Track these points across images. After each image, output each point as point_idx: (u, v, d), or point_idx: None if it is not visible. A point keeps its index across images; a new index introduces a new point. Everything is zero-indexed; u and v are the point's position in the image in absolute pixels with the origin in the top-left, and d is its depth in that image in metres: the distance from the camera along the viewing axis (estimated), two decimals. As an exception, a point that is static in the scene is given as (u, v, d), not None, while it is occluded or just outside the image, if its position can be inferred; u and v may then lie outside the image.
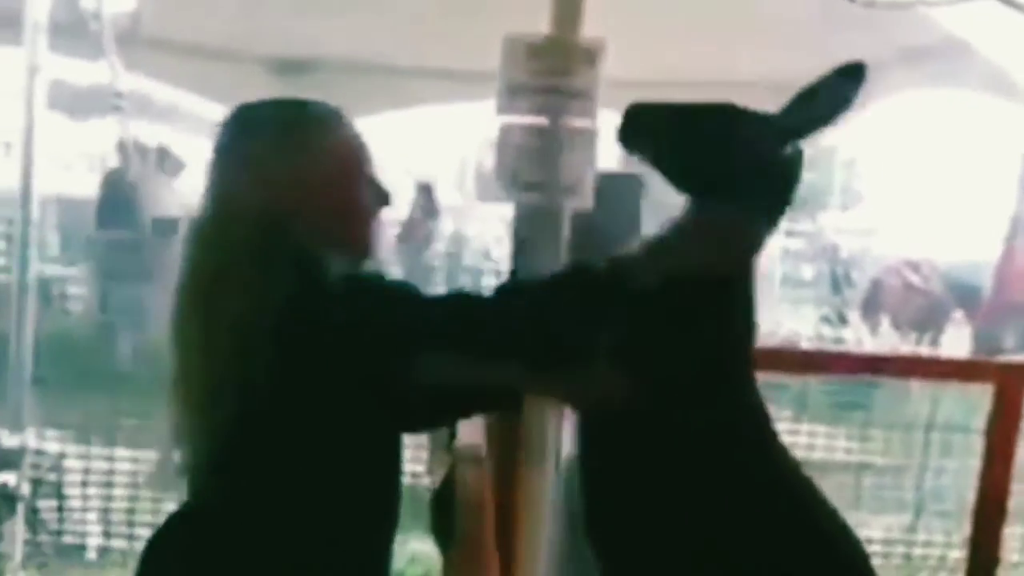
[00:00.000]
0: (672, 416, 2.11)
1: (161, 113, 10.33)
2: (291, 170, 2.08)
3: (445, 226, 13.15)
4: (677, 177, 2.22)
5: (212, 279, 2.01)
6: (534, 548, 2.67)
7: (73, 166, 10.68)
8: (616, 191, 3.31)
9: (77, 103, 8.70)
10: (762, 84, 8.76)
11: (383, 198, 2.22)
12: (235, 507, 2.02)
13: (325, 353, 1.96)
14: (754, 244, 2.26)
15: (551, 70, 3.09)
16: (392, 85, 8.12)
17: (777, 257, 12.67)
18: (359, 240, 2.17)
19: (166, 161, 9.89)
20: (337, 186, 2.13)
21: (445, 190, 13.82)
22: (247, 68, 8.58)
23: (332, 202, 2.12)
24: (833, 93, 2.21)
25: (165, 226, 9.07)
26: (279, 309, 1.95)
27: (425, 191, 12.40)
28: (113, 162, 10.01)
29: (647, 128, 2.24)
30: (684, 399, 2.11)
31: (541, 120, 3.06)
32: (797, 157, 2.22)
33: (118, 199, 9.38)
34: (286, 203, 2.05)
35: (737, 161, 2.17)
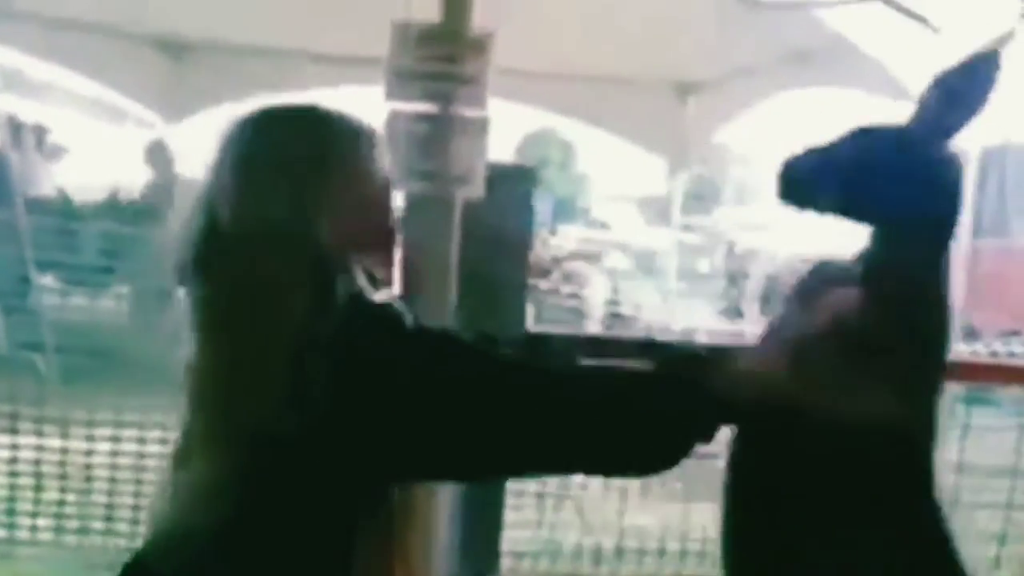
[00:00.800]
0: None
1: (34, 89, 10.12)
2: (337, 186, 1.97)
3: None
4: (854, 215, 2.15)
5: (247, 300, 1.90)
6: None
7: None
8: (508, 182, 3.30)
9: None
10: (657, 81, 8.91)
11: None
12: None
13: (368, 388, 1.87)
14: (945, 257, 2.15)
15: (440, 57, 3.06)
16: (280, 69, 8.04)
17: (673, 251, 12.75)
18: (388, 266, 2.09)
19: (43, 142, 9.69)
20: (377, 207, 2.05)
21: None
22: (130, 46, 8.45)
23: (372, 224, 2.04)
24: (972, 84, 2.09)
25: (38, 207, 8.94)
26: (329, 333, 1.85)
27: None
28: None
29: (809, 180, 2.15)
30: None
31: (430, 107, 3.03)
32: (957, 162, 2.14)
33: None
34: (333, 222, 1.93)
35: (910, 180, 2.08)
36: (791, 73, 8.47)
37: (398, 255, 2.13)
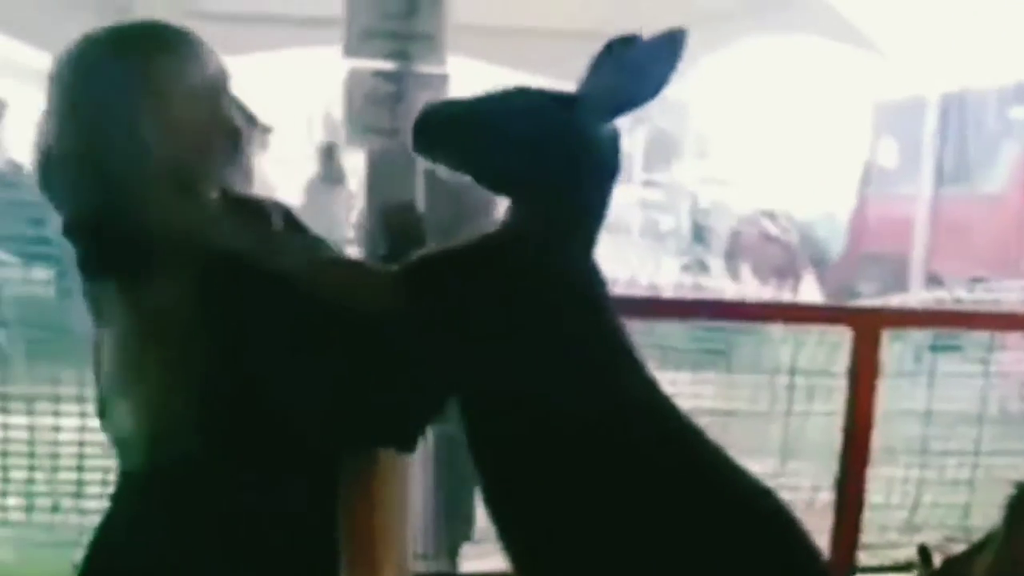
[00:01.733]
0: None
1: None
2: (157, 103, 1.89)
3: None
4: (488, 180, 2.06)
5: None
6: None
7: None
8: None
9: None
10: (615, 33, 8.89)
11: (250, 120, 2.05)
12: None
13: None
14: (580, 238, 2.05)
15: (398, 13, 3.04)
16: (238, 31, 7.94)
17: (636, 206, 12.74)
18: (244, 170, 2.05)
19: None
20: (207, 108, 1.96)
21: (295, 139, 13.42)
22: (73, 9, 8.30)
23: (204, 127, 1.95)
24: (652, 64, 2.01)
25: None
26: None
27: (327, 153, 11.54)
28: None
29: (444, 133, 2.05)
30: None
31: (389, 64, 3.01)
32: (614, 138, 2.04)
33: None
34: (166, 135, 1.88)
35: (551, 153, 1.99)
36: (748, 21, 8.43)
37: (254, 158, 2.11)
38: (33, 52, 9.59)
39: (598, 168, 2.03)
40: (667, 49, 2.00)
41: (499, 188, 2.07)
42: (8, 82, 11.52)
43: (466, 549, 3.87)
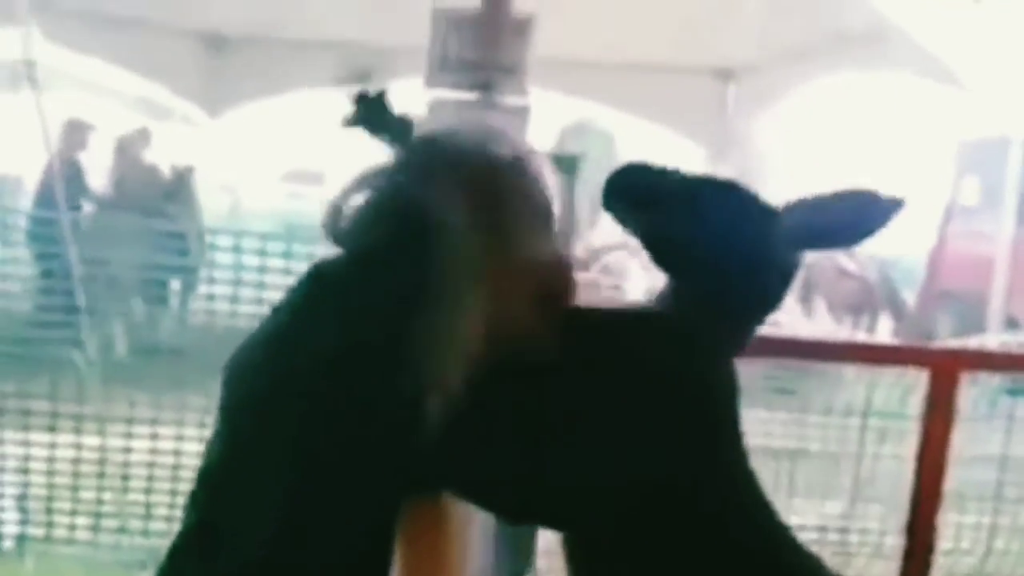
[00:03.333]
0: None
1: (78, 85, 10.17)
2: None
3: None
4: (662, 254, 2.00)
5: None
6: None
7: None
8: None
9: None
10: (699, 69, 8.83)
11: None
12: None
13: None
14: (728, 347, 1.98)
15: (480, 44, 3.03)
16: (318, 61, 8.03)
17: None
18: None
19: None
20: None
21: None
22: (171, 41, 8.46)
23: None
24: (858, 218, 1.99)
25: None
26: None
27: None
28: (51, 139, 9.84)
29: (645, 196, 1.98)
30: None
31: (470, 95, 3.01)
32: (794, 267, 2.00)
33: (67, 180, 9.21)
34: None
35: (738, 251, 1.94)
36: (833, 57, 8.35)
37: None
38: (125, 76, 9.79)
39: (775, 288, 1.99)
40: (884, 210, 1.98)
41: (670, 268, 2.00)
42: (104, 105, 11.72)
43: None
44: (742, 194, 1.99)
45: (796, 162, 16.50)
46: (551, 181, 1.92)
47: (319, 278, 1.91)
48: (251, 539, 1.81)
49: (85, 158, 9.76)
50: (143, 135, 10.66)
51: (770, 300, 2.00)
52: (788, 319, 11.61)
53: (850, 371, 5.64)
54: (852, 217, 1.98)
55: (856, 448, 5.34)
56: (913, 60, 7.86)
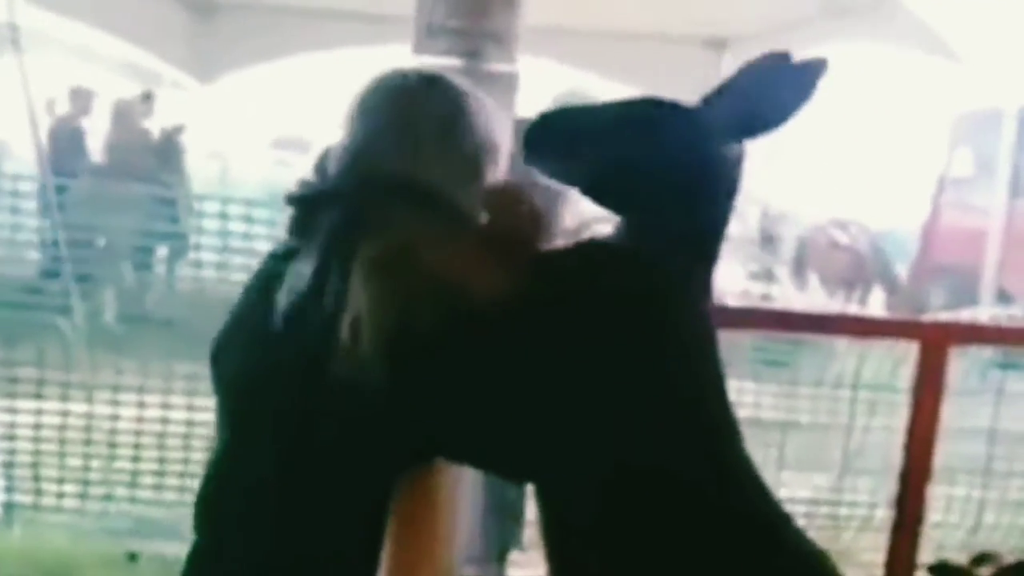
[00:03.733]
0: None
1: (64, 50, 10.15)
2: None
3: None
4: (598, 194, 1.91)
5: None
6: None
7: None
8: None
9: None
10: (693, 38, 8.80)
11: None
12: None
13: None
14: (689, 267, 1.90)
15: (468, 11, 3.02)
16: (308, 28, 8.00)
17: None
18: None
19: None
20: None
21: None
22: (159, 5, 8.42)
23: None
24: (787, 89, 1.88)
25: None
26: None
27: None
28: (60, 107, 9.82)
29: (560, 144, 1.90)
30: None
31: (458, 62, 2.99)
32: (739, 159, 1.91)
33: (70, 146, 9.20)
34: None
35: (673, 166, 1.85)
36: (829, 28, 8.33)
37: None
38: (114, 42, 9.76)
39: (721, 189, 1.91)
40: (807, 77, 1.89)
41: (612, 204, 1.92)
42: (93, 71, 11.69)
43: (515, 556, 3.85)
44: (661, 108, 1.91)
45: (790, 133, 16.47)
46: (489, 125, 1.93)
47: (272, 259, 1.92)
48: (249, 533, 1.85)
49: (87, 124, 9.73)
50: (146, 101, 10.60)
51: (720, 209, 1.92)
52: (782, 292, 11.64)
53: (841, 343, 5.63)
54: (779, 92, 1.89)
55: (846, 420, 5.35)
56: (908, 32, 7.84)
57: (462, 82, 1.98)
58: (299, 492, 1.82)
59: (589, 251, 1.93)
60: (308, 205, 1.89)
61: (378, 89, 1.94)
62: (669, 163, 1.86)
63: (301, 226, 1.88)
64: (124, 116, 10.46)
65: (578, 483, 1.80)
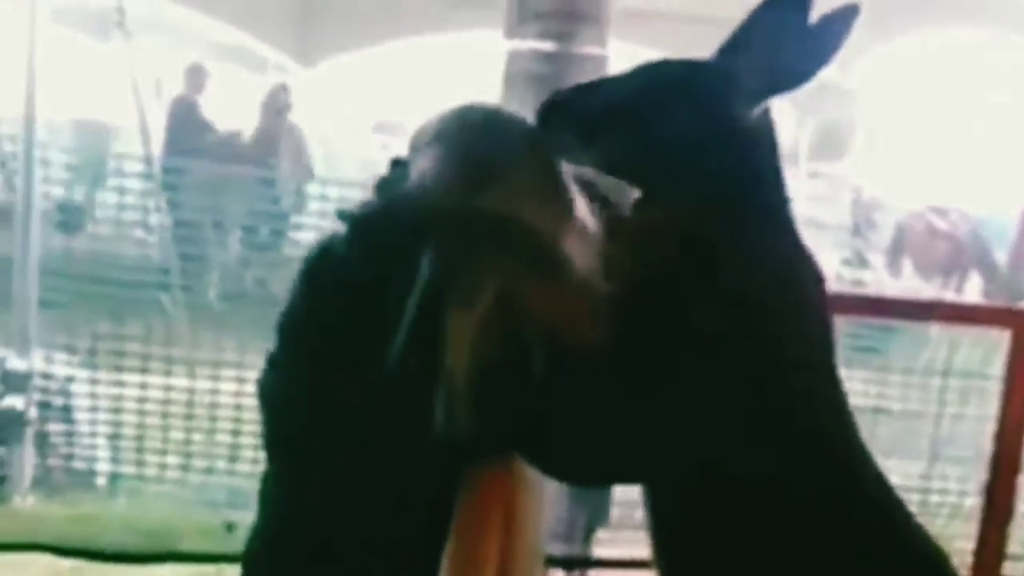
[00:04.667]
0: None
1: (168, 32, 10.28)
2: None
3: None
4: (629, 169, 1.70)
5: None
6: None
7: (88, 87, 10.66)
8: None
9: (87, 21, 8.58)
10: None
11: None
12: None
13: None
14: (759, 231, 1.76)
15: None
16: (402, 13, 8.06)
17: (798, 199, 12.53)
18: None
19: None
20: None
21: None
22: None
23: None
24: (813, 40, 1.72)
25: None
26: None
27: None
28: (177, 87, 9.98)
29: (579, 117, 1.78)
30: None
31: (549, 45, 3.00)
32: (767, 121, 1.77)
33: (187, 125, 9.35)
34: None
35: (710, 135, 1.71)
36: (926, 9, 8.21)
37: None
38: (219, 25, 9.88)
39: (758, 152, 1.77)
40: (837, 24, 1.72)
41: (644, 178, 1.70)
42: (198, 54, 11.85)
43: (602, 534, 3.86)
44: (687, 68, 1.79)
45: (883, 116, 16.25)
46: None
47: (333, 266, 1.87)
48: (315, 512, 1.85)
49: (203, 102, 9.86)
50: (283, 91, 10.54)
51: (765, 175, 1.78)
52: (875, 278, 11.52)
53: (933, 330, 5.57)
54: (803, 43, 1.72)
55: (936, 408, 5.29)
56: (1009, 15, 7.71)
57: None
58: (371, 477, 1.82)
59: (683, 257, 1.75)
60: (381, 232, 1.82)
61: (464, 121, 1.85)
62: (706, 125, 1.72)
63: (365, 244, 1.83)
64: (274, 104, 10.49)
65: (689, 487, 1.74)
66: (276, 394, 1.92)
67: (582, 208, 1.74)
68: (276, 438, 1.93)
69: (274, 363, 1.92)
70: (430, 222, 1.73)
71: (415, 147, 1.86)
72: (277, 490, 1.92)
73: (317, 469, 1.84)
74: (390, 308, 1.72)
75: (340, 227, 1.85)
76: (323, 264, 1.87)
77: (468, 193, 1.74)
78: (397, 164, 1.87)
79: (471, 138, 1.81)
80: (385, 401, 1.75)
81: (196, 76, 9.81)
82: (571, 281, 1.70)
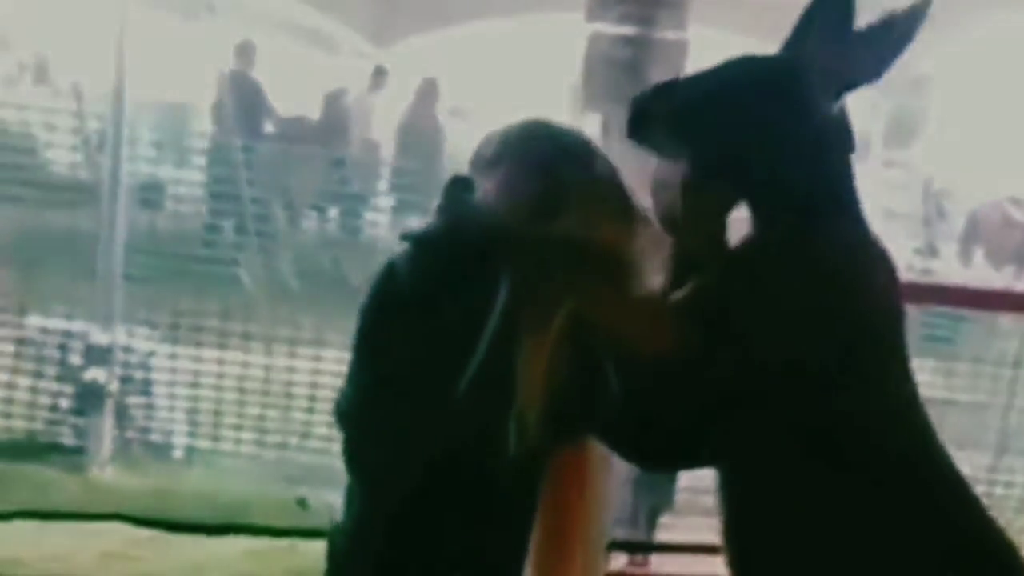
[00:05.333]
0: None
1: (250, 17, 10.33)
2: None
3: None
4: (716, 166, 1.72)
5: None
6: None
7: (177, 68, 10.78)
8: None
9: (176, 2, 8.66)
10: (872, 5, 8.68)
11: None
12: None
13: None
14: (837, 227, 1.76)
15: None
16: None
17: (871, 187, 12.41)
18: None
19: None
20: None
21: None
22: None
23: None
24: (891, 33, 1.71)
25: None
26: None
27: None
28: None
29: (666, 118, 1.75)
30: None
31: (630, 29, 2.99)
32: (844, 114, 1.77)
33: (253, 109, 9.41)
34: None
35: (795, 131, 1.72)
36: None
37: None
38: (297, 6, 9.90)
39: (834, 150, 1.77)
40: (909, 21, 1.72)
41: (731, 175, 1.74)
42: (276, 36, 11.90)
43: (666, 519, 3.87)
44: (770, 63, 1.79)
45: (959, 104, 16.04)
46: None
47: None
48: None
49: (261, 79, 9.91)
50: (379, 75, 10.50)
51: (840, 169, 1.78)
52: (945, 267, 11.41)
53: (1005, 321, 5.53)
54: (873, 38, 1.72)
55: (1006, 399, 5.26)
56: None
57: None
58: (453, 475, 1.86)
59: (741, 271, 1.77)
60: (446, 253, 1.87)
61: (529, 141, 1.91)
62: (793, 123, 1.73)
63: (429, 265, 1.88)
64: (427, 96, 10.39)
65: (764, 470, 1.76)
66: (351, 411, 1.98)
67: (649, 219, 1.79)
68: (353, 455, 1.99)
69: (348, 381, 1.99)
70: (503, 248, 1.78)
71: (477, 165, 1.92)
72: (359, 500, 1.99)
73: (393, 485, 1.91)
74: (454, 328, 1.79)
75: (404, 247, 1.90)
76: (388, 285, 1.92)
77: (540, 219, 1.80)
78: (458, 182, 1.93)
79: (538, 160, 1.87)
80: (457, 423, 1.80)
81: (244, 53, 9.83)
82: (642, 294, 1.76)
